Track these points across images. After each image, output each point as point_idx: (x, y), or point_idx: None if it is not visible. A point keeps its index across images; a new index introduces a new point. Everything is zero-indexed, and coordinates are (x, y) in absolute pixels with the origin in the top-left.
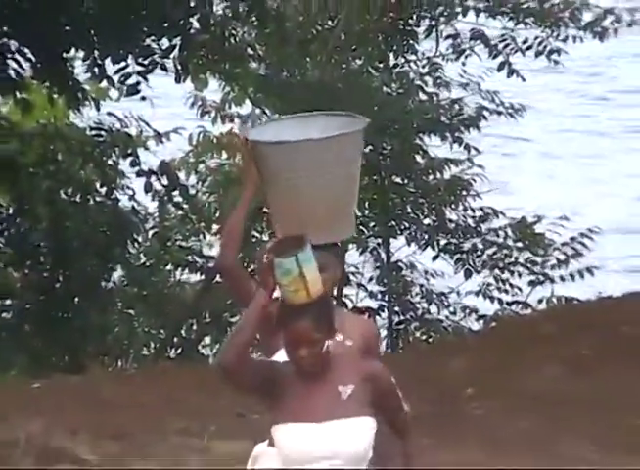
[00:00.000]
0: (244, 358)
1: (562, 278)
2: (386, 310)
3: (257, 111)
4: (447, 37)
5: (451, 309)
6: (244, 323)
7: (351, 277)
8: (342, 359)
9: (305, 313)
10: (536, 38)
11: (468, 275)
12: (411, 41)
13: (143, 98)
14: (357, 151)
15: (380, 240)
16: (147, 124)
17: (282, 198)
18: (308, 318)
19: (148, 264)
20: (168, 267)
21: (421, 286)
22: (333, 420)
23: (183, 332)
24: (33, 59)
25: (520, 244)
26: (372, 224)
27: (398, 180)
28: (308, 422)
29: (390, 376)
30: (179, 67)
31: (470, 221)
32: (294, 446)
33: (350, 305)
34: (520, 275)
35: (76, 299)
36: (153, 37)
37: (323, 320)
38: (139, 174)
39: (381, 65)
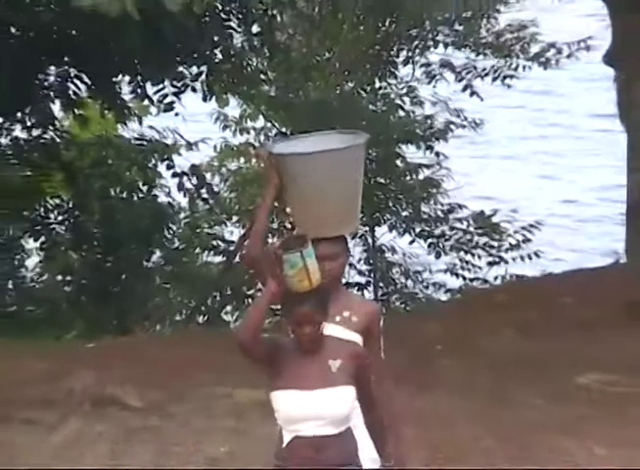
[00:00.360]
0: (256, 336)
1: (513, 259)
2: (372, 285)
3: (268, 124)
4: (421, 65)
5: (424, 284)
6: (256, 307)
7: None
8: (333, 340)
9: (308, 299)
10: (492, 66)
11: (438, 256)
12: (392, 68)
13: (176, 114)
14: (360, 161)
15: (367, 228)
16: (180, 135)
17: (299, 199)
18: (311, 303)
19: (181, 248)
20: (197, 250)
21: (400, 265)
22: (322, 388)
23: (209, 302)
24: (89, 82)
25: (480, 231)
26: (361, 215)
27: (382, 180)
28: (301, 389)
29: (368, 357)
30: (206, 89)
31: (439, 213)
32: (288, 408)
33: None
34: (480, 257)
35: (123, 275)
36: (184, 65)
37: (321, 304)
38: (174, 175)
39: (368, 87)
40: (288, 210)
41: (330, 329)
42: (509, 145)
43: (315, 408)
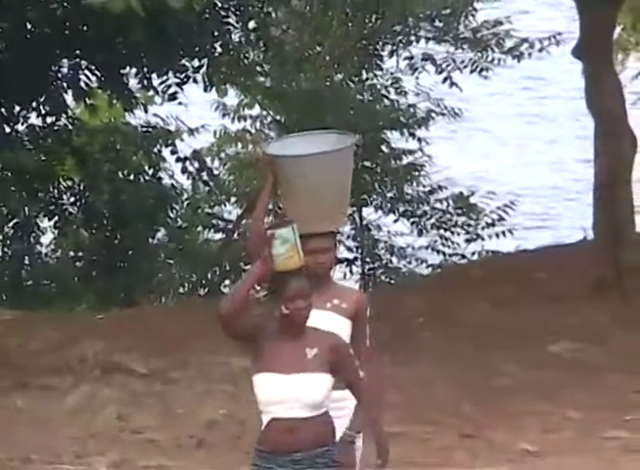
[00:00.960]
0: (237, 311)
1: (489, 236)
2: (359, 261)
3: (264, 113)
4: (405, 58)
5: (407, 260)
6: (242, 284)
7: None
8: (314, 330)
9: (300, 275)
10: (470, 60)
11: (420, 234)
12: (378, 61)
13: (180, 103)
14: (349, 161)
15: (355, 208)
16: (182, 122)
17: (292, 196)
18: (303, 278)
19: (183, 226)
20: (198, 228)
21: (385, 242)
22: (296, 373)
23: (209, 276)
24: (99, 74)
25: (458, 211)
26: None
27: (369, 164)
28: (278, 372)
29: (349, 348)
30: (206, 80)
31: (421, 194)
32: (265, 390)
33: None
34: (458, 234)
35: (130, 252)
36: (187, 58)
37: (308, 280)
38: (177, 160)
39: (356, 79)
40: (279, 192)
41: (321, 315)
42: (493, 128)
43: (290, 392)
